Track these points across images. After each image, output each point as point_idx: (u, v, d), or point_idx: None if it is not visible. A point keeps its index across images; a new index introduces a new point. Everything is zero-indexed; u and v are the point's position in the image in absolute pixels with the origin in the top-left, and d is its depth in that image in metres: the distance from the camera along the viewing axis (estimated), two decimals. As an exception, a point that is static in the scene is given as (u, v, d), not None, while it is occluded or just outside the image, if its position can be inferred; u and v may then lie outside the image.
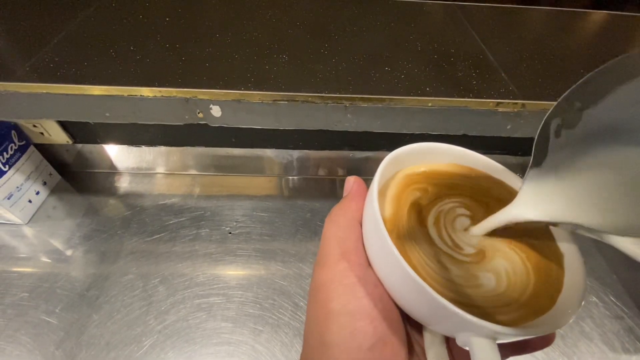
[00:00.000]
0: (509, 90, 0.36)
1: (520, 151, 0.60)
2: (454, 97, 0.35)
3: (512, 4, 0.57)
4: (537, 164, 0.17)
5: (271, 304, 0.45)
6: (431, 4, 0.53)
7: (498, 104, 0.35)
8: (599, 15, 0.54)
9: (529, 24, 0.51)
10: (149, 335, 0.42)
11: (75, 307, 0.44)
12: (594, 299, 0.49)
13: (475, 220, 0.20)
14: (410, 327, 0.19)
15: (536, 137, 0.17)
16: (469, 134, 0.38)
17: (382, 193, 0.20)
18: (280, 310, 0.44)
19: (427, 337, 0.18)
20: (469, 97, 0.35)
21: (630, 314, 0.47)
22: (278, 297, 0.46)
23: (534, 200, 0.17)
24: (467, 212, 0.20)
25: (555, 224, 0.18)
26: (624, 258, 0.57)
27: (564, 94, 0.15)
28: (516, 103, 0.35)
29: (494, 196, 0.21)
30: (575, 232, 0.17)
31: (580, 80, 0.15)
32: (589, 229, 0.16)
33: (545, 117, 0.16)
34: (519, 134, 0.38)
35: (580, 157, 0.16)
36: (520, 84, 0.37)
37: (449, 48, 0.42)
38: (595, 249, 0.55)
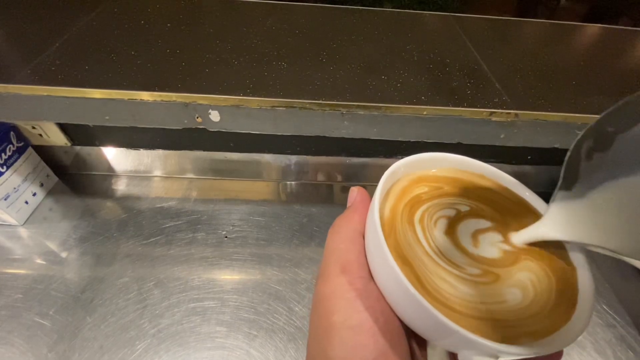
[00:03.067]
0: (502, 100, 0.37)
1: (514, 160, 0.61)
2: (448, 106, 0.36)
3: (508, 16, 0.58)
4: (567, 187, 0.17)
5: (266, 309, 0.45)
6: (428, 15, 0.54)
7: (492, 113, 0.36)
8: (592, 29, 0.56)
9: (523, 36, 0.52)
10: (142, 338, 0.41)
11: (69, 310, 0.43)
12: (587, 307, 0.50)
13: (486, 228, 0.19)
14: (414, 341, 0.19)
15: (567, 158, 0.17)
16: (464, 143, 0.39)
17: (386, 201, 0.19)
18: (275, 315, 0.44)
19: (430, 352, 0.18)
20: (464, 107, 0.36)
21: (622, 323, 0.48)
22: (273, 301, 0.46)
23: (561, 221, 0.17)
24: (478, 222, 0.19)
25: (578, 244, 0.18)
26: (616, 268, 0.57)
27: (598, 117, 0.15)
28: (509, 113, 0.36)
29: (505, 206, 0.20)
30: (596, 250, 0.17)
31: (616, 104, 0.15)
32: (614, 252, 0.16)
33: (577, 138, 0.16)
34: (513, 142, 0.39)
35: (611, 182, 0.16)
36: (513, 95, 0.38)
37: (445, 58, 0.43)
38: (591, 265, 0.55)
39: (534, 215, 0.20)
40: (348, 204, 0.20)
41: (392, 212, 0.19)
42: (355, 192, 0.20)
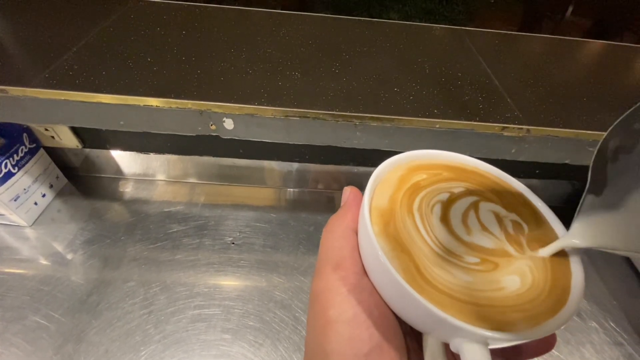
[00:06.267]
0: (514, 115, 0.37)
1: (522, 173, 0.61)
2: (460, 119, 0.36)
3: (513, 28, 0.58)
4: (595, 191, 0.16)
5: (272, 317, 0.45)
6: (439, 28, 0.54)
7: (504, 128, 0.36)
8: (602, 46, 0.56)
9: (533, 51, 0.53)
10: (147, 344, 0.41)
11: (75, 313, 0.43)
12: (594, 324, 0.49)
13: (488, 215, 0.19)
14: (410, 333, 0.19)
15: (592, 161, 0.16)
16: (474, 156, 0.39)
17: (383, 192, 0.19)
18: (281, 324, 0.44)
19: (425, 343, 0.18)
20: (475, 121, 0.36)
21: (630, 341, 0.47)
22: (279, 310, 0.46)
23: (591, 230, 0.17)
24: (479, 210, 0.19)
25: (612, 252, 0.17)
26: (625, 284, 0.56)
27: (622, 116, 0.15)
28: (521, 128, 0.36)
29: (507, 197, 0.20)
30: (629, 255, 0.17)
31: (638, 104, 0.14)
32: None
33: (602, 139, 0.15)
34: (523, 157, 0.39)
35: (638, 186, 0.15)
36: (525, 110, 0.38)
37: (456, 72, 0.43)
38: (596, 274, 0.55)
39: (530, 207, 0.20)
40: (342, 203, 0.21)
41: (390, 202, 0.19)
42: (348, 192, 0.21)
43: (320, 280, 0.18)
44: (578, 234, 0.17)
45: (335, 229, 0.19)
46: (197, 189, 0.60)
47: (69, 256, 0.50)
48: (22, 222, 0.51)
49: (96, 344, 0.41)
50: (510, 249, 0.18)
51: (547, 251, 0.18)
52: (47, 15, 0.45)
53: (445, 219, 0.19)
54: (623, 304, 0.51)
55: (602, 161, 0.16)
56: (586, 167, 0.17)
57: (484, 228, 0.19)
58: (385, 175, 0.20)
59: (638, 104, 0.14)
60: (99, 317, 0.43)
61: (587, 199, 0.17)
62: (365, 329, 0.16)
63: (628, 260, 0.56)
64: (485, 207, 0.19)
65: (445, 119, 0.36)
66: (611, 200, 0.16)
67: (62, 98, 0.35)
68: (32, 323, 0.42)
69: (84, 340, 0.41)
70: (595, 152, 0.16)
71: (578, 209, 0.17)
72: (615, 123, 0.15)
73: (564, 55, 0.52)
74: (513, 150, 0.38)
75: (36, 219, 0.53)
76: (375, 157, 0.60)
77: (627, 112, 0.15)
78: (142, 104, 0.35)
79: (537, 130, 0.37)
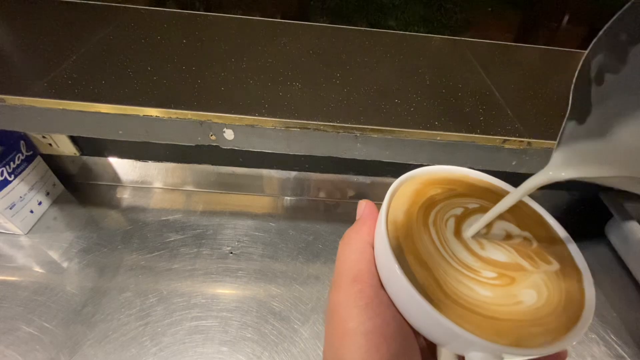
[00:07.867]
0: (515, 127, 0.37)
1: (521, 182, 0.61)
2: (462, 132, 0.36)
3: (509, 36, 0.59)
4: (577, 117, 0.14)
5: (270, 330, 0.44)
6: (439, 39, 0.55)
7: (505, 141, 0.36)
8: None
9: (533, 62, 0.53)
10: (143, 357, 0.40)
11: (69, 324, 0.43)
12: (594, 336, 0.49)
13: (503, 231, 0.19)
14: (426, 345, 0.19)
15: (574, 83, 0.14)
16: (475, 168, 0.39)
17: (400, 205, 0.20)
18: (280, 336, 0.44)
19: (439, 355, 0.18)
20: (476, 133, 0.36)
21: (630, 354, 0.47)
22: (277, 322, 0.45)
23: (575, 159, 0.15)
24: (495, 226, 0.20)
25: (594, 180, 0.16)
26: (625, 295, 0.56)
27: (607, 24, 0.12)
28: (522, 141, 0.36)
29: (511, 208, 0.20)
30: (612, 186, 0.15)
31: (628, 4, 0.11)
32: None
33: (584, 57, 0.13)
34: (524, 170, 0.39)
35: (628, 112, 0.13)
36: (525, 122, 0.38)
37: (457, 83, 0.43)
38: (596, 286, 0.54)
39: (541, 222, 0.20)
40: (357, 217, 0.21)
41: (407, 217, 0.19)
42: (363, 205, 0.21)
43: (338, 292, 0.18)
44: (560, 166, 0.16)
45: (352, 242, 0.20)
46: (196, 197, 0.60)
47: (64, 265, 0.49)
48: (17, 231, 0.50)
49: (91, 357, 0.40)
50: (524, 263, 0.18)
51: (525, 187, 0.17)
52: (46, 22, 0.45)
53: (459, 234, 0.19)
54: (623, 315, 0.51)
55: (585, 84, 0.14)
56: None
57: (498, 243, 0.19)
58: (401, 190, 0.21)
59: (623, 10, 0.11)
60: (94, 329, 0.42)
61: (567, 127, 0.15)
62: (383, 341, 0.16)
63: (628, 271, 0.56)
64: (498, 223, 0.20)
65: (446, 131, 0.36)
66: (596, 126, 0.14)
67: (61, 107, 0.34)
68: (25, 334, 0.41)
69: (78, 353, 0.40)
70: (577, 74, 0.14)
71: (558, 138, 0.16)
72: (599, 34, 0.13)
73: (564, 67, 0.52)
74: (514, 163, 0.38)
75: (32, 227, 0.52)
76: (375, 167, 0.60)
77: (612, 19, 0.12)
78: (141, 114, 0.35)
79: (537, 143, 0.36)
